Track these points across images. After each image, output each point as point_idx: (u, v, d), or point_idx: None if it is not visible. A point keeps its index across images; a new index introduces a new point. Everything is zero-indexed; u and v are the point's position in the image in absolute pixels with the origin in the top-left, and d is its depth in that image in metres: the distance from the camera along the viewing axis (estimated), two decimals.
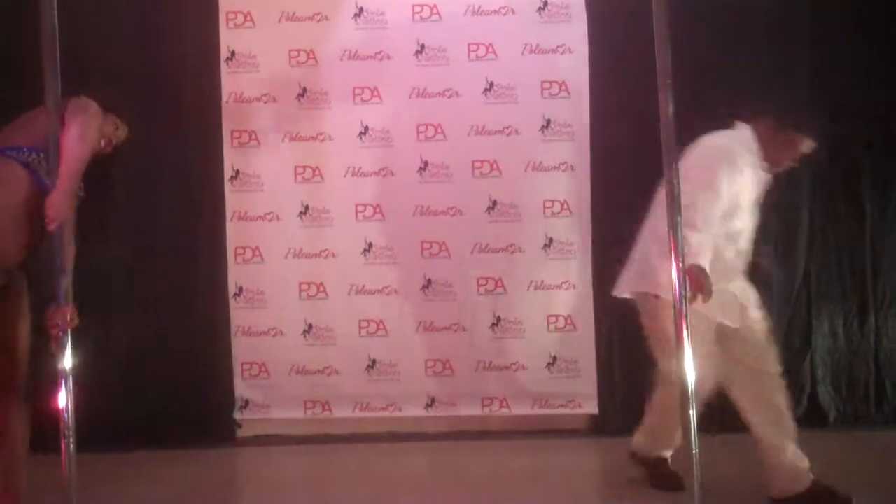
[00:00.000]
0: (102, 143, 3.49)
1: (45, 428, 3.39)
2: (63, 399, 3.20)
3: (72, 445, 3.22)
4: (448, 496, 4.35)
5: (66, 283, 3.25)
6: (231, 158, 5.38)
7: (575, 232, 5.36)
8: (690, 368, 3.19)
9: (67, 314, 3.23)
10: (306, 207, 5.39)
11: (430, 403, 5.39)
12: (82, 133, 3.14)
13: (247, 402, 5.39)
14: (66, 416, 3.21)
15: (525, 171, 5.36)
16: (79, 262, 3.41)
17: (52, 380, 3.23)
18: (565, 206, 5.37)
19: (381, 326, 5.39)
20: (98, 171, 3.51)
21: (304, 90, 5.38)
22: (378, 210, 5.38)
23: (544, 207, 5.37)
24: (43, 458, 3.43)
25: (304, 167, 5.38)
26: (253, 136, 5.39)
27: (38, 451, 3.50)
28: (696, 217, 3.58)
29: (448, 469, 4.82)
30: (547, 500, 4.24)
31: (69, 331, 3.24)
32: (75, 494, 3.22)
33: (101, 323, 4.97)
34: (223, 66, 5.35)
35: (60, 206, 3.13)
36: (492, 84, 5.35)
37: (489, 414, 5.39)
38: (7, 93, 4.69)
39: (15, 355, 3.38)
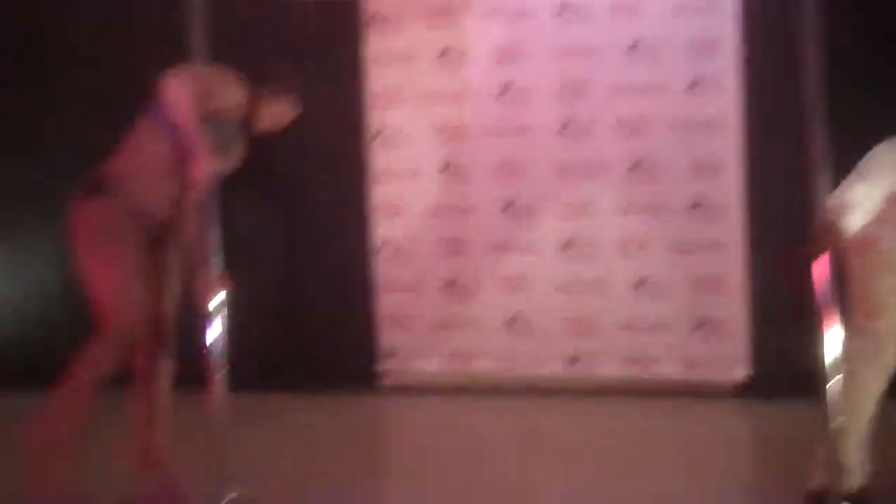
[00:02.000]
0: (271, 123, 3.64)
1: (196, 368, 3.63)
2: (213, 341, 3.44)
3: (222, 386, 3.46)
4: (585, 454, 4.45)
5: (214, 250, 3.46)
6: (374, 116, 5.60)
7: (724, 191, 5.30)
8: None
9: (218, 284, 3.46)
10: (447, 164, 5.55)
11: (572, 362, 5.49)
12: (167, 105, 3.33)
13: (390, 354, 5.65)
14: (215, 358, 3.45)
15: (672, 128, 5.34)
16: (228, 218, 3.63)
17: (203, 323, 3.47)
18: (715, 164, 5.32)
19: (523, 283, 5.50)
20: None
21: (445, 49, 5.52)
22: (519, 168, 5.49)
23: (692, 166, 5.34)
24: (194, 396, 3.68)
25: (446, 125, 5.54)
26: (395, 96, 5.57)
27: (190, 391, 3.76)
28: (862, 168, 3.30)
29: (588, 427, 4.92)
30: (690, 463, 4.26)
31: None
32: (225, 433, 3.45)
33: (251, 275, 5.24)
34: (364, 26, 5.55)
35: (199, 169, 3.33)
36: (637, 41, 5.33)
37: (631, 375, 5.43)
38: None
39: (162, 312, 3.61)
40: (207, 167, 3.35)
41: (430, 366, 5.62)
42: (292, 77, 3.72)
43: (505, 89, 5.49)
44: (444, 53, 5.54)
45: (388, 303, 5.64)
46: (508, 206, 5.51)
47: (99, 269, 3.39)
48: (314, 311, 5.57)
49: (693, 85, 5.30)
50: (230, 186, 3.67)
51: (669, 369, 5.40)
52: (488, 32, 5.51)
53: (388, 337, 5.65)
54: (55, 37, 5.80)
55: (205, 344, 3.46)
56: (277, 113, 3.65)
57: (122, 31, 5.66)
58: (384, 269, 5.64)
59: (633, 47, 5.35)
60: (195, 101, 3.32)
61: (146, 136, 3.47)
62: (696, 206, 5.32)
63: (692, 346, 5.36)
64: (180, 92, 3.31)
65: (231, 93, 3.51)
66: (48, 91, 5.81)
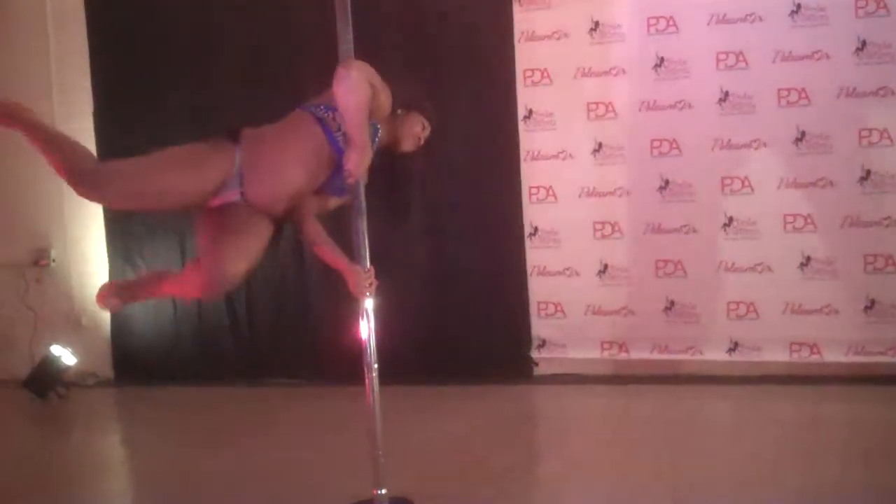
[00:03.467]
0: (411, 143, 3.61)
1: (350, 361, 3.71)
2: (365, 334, 3.50)
3: (375, 378, 3.53)
4: (748, 442, 4.37)
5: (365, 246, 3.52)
6: (524, 98, 5.58)
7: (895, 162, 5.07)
8: None
9: (371, 279, 3.51)
10: (599, 145, 5.48)
11: (733, 348, 5.38)
12: (347, 87, 3.29)
13: (543, 342, 5.67)
14: (368, 350, 3.52)
15: (837, 98, 5.13)
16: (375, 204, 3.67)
17: (354, 316, 3.54)
18: (885, 135, 5.09)
19: (679, 267, 5.42)
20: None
21: (597, 24, 5.45)
22: (675, 145, 5.38)
23: (860, 137, 5.12)
24: (348, 389, 3.77)
25: (597, 103, 5.48)
26: (545, 75, 5.55)
27: (344, 383, 3.85)
28: None
29: (751, 415, 4.84)
30: (862, 451, 4.10)
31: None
32: (379, 424, 3.53)
33: (400, 261, 5.37)
34: (515, 5, 5.53)
35: (354, 161, 3.35)
36: (799, 5, 5.13)
37: (798, 360, 5.28)
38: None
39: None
40: (364, 161, 3.39)
41: (584, 353, 5.59)
42: (426, 101, 3.71)
43: (660, 63, 5.37)
44: (595, 28, 5.45)
45: (540, 289, 5.64)
46: (664, 186, 5.39)
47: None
48: (465, 300, 5.62)
49: (860, 49, 5.07)
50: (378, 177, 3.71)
51: (838, 354, 5.22)
52: (640, 3, 5.40)
53: (541, 324, 5.66)
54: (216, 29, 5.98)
55: (359, 337, 3.53)
56: (414, 133, 3.63)
57: (275, 21, 5.79)
58: (536, 255, 5.63)
59: (795, 12, 5.14)
60: (368, 96, 3.33)
61: (298, 123, 3.50)
62: (864, 178, 5.10)
63: (862, 329, 5.17)
64: (360, 82, 3.31)
65: (387, 100, 3.52)
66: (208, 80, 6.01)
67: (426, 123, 3.65)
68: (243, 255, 3.33)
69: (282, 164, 3.39)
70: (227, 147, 3.30)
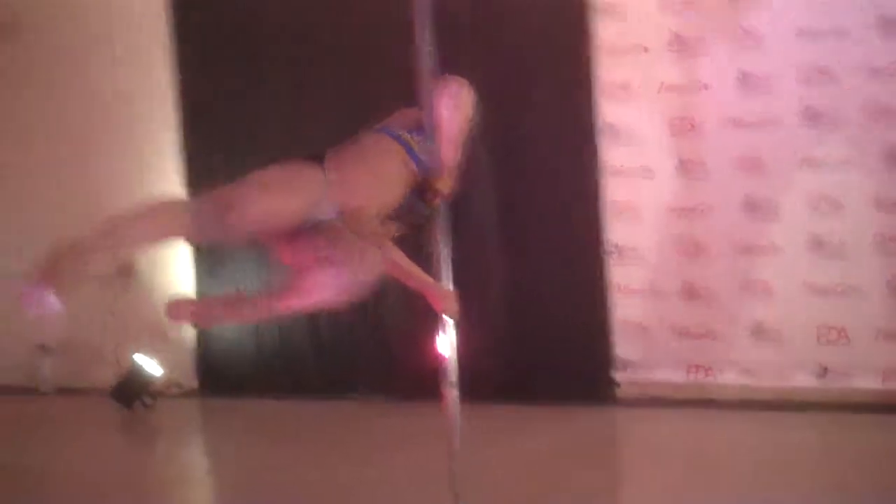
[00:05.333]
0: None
1: (427, 378, 3.70)
2: (446, 351, 3.49)
3: (455, 395, 3.50)
4: (838, 472, 4.25)
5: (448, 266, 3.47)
6: (604, 113, 5.53)
7: None
8: None
9: (455, 301, 3.46)
10: (681, 161, 5.40)
11: (823, 374, 5.23)
12: (456, 103, 3.30)
13: (626, 363, 5.57)
14: (449, 367, 3.49)
15: None
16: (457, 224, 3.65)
17: (433, 333, 3.53)
18: None
19: (766, 288, 5.29)
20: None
21: (677, 37, 5.36)
22: (759, 163, 5.26)
23: None
24: (426, 406, 3.76)
25: (680, 119, 5.40)
26: (626, 90, 5.49)
27: (422, 400, 3.84)
28: None
29: (840, 444, 4.68)
30: None
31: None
32: (458, 442, 3.50)
33: (480, 278, 5.35)
34: (594, 16, 5.48)
35: (445, 180, 3.33)
36: (888, 20, 4.98)
37: (891, 388, 5.10)
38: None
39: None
40: (452, 181, 3.37)
41: (668, 377, 5.49)
42: None
43: (743, 78, 5.27)
44: (676, 41, 5.38)
45: (622, 310, 5.56)
46: (749, 204, 5.29)
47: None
48: (545, 319, 5.57)
49: None
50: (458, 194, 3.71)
51: None
52: (723, 17, 5.30)
53: (624, 346, 5.58)
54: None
55: (439, 354, 3.52)
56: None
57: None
58: (618, 274, 5.55)
59: (883, 26, 4.99)
60: (468, 117, 3.35)
61: (379, 143, 3.47)
62: None
63: None
64: (468, 101, 3.33)
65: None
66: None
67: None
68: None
69: (373, 179, 3.28)
70: (315, 167, 3.20)
